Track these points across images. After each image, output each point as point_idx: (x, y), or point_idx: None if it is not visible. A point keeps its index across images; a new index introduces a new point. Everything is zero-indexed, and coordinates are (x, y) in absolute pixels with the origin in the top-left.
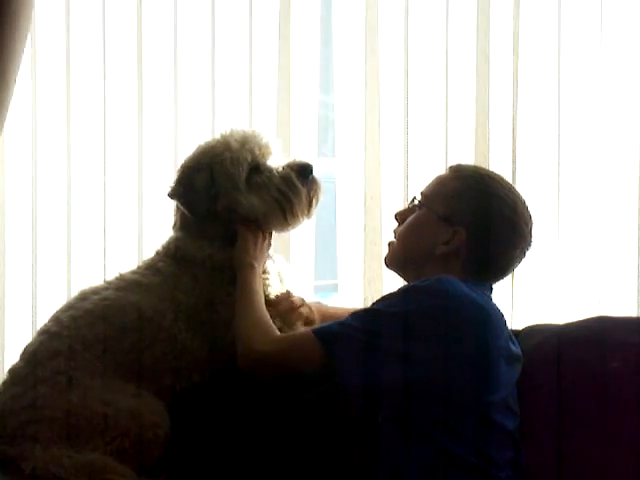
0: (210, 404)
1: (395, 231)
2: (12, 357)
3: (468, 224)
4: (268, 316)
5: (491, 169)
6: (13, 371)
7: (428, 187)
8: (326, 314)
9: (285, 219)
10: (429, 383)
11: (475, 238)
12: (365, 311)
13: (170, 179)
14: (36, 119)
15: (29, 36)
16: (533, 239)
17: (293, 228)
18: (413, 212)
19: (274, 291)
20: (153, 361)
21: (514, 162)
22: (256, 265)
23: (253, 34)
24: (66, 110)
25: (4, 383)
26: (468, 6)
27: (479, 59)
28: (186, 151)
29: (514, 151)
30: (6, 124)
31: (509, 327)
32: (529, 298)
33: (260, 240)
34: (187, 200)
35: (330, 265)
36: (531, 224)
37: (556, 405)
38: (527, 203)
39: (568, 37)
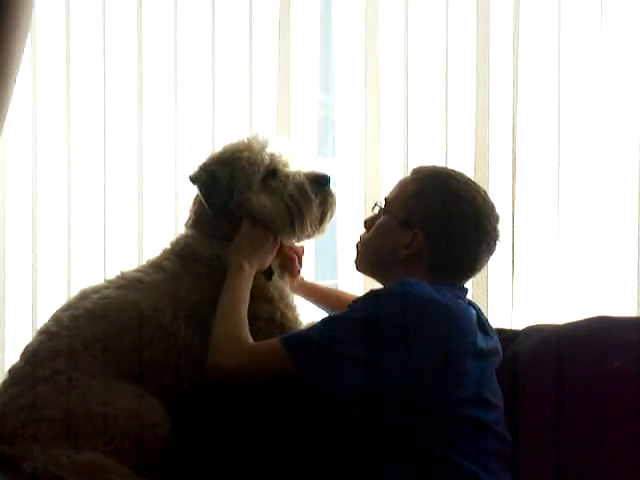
0: (210, 404)
1: (361, 236)
2: (12, 357)
3: (426, 226)
4: (243, 322)
5: (490, 169)
6: (13, 371)
7: (391, 192)
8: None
9: (292, 227)
10: (396, 385)
11: (434, 239)
12: (331, 319)
13: (168, 179)
14: (36, 119)
15: (29, 36)
16: (500, 233)
17: (301, 240)
18: (379, 218)
19: (278, 291)
20: (153, 360)
21: (514, 162)
22: (246, 266)
23: (253, 34)
24: (66, 110)
25: (4, 383)
26: (468, 6)
27: (479, 59)
28: (186, 151)
29: (514, 151)
30: (6, 124)
31: (510, 327)
32: (529, 298)
33: (259, 241)
34: (207, 188)
35: (330, 265)
36: (495, 218)
37: (556, 405)
38: (490, 198)
39: (568, 37)
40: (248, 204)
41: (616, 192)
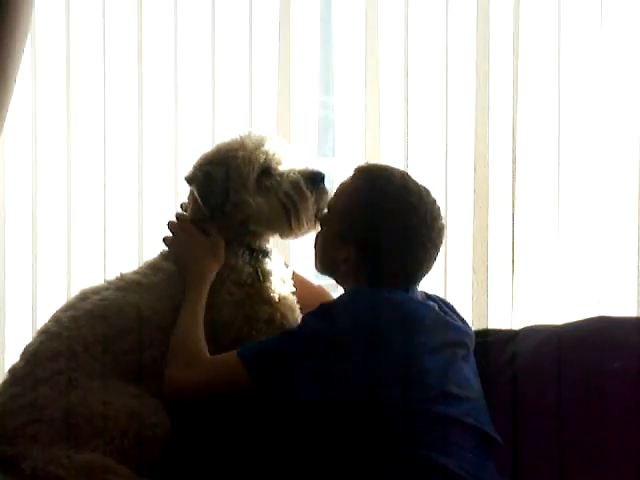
0: (209, 405)
1: (316, 235)
2: (12, 357)
3: (356, 244)
4: (198, 334)
5: (490, 169)
6: (13, 371)
7: (332, 198)
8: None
9: (289, 225)
10: (358, 393)
11: (366, 256)
12: (286, 333)
13: (168, 179)
14: (36, 119)
15: (29, 36)
16: (440, 230)
17: (297, 236)
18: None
19: (277, 292)
20: (152, 361)
21: (514, 162)
22: (190, 275)
23: (253, 34)
24: (66, 110)
25: (4, 383)
26: (468, 6)
27: (479, 59)
28: (186, 151)
29: (514, 151)
30: (6, 124)
31: (510, 327)
32: (529, 298)
33: (184, 241)
34: (203, 188)
35: None
36: (429, 224)
37: (556, 405)
38: (427, 198)
39: (568, 37)
40: (245, 206)
41: (616, 192)
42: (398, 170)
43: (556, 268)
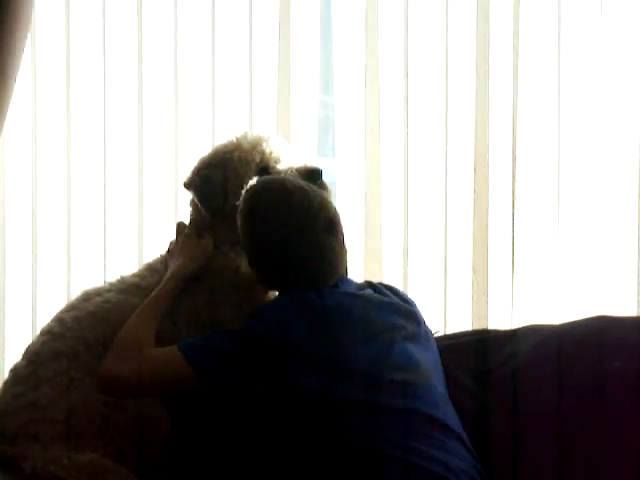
0: (209, 405)
1: None
2: (12, 357)
3: (253, 263)
4: (145, 331)
5: (490, 169)
6: (15, 370)
7: None
8: None
9: None
10: (294, 394)
11: (267, 271)
12: (227, 332)
13: (168, 180)
14: (36, 119)
15: (29, 36)
16: (335, 227)
17: None
18: None
19: None
20: None
21: (514, 162)
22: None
23: (253, 34)
24: (66, 110)
25: (5, 382)
26: (468, 6)
27: (479, 59)
28: (186, 152)
29: (514, 151)
30: (6, 124)
31: (510, 327)
32: (529, 298)
33: (180, 245)
34: (202, 192)
35: None
36: (309, 223)
37: (555, 405)
38: (303, 203)
39: (568, 37)
40: None
41: (616, 192)
42: (274, 182)
43: (556, 268)
